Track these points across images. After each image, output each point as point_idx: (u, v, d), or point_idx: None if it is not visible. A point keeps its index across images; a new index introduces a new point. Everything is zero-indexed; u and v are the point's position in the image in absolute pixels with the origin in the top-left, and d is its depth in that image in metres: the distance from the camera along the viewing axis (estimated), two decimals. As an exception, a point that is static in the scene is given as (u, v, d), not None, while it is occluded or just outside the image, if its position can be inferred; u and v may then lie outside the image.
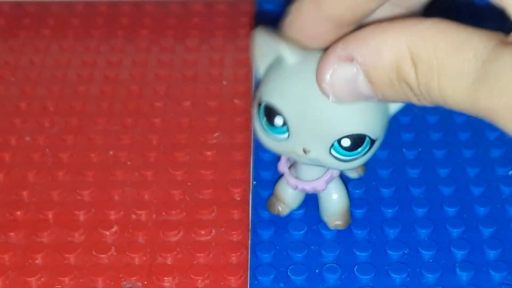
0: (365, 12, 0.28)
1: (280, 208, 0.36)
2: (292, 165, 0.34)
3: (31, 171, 0.39)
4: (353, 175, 0.38)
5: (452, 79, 0.24)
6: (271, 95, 0.29)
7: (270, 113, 0.29)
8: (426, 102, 0.25)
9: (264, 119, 0.30)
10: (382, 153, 0.39)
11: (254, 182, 0.38)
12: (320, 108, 0.28)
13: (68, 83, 0.44)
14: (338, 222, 0.35)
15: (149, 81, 0.44)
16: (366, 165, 0.38)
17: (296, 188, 0.34)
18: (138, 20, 0.49)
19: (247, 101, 0.43)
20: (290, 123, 0.29)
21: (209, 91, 0.44)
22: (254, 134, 0.32)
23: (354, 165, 0.30)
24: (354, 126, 0.29)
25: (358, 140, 0.29)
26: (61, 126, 0.41)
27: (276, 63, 0.30)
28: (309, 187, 0.34)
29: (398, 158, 0.39)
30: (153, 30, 0.48)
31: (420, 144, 0.40)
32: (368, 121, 0.29)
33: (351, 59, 0.26)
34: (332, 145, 0.29)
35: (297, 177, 0.34)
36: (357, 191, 0.37)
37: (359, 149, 0.29)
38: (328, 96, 0.27)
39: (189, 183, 0.38)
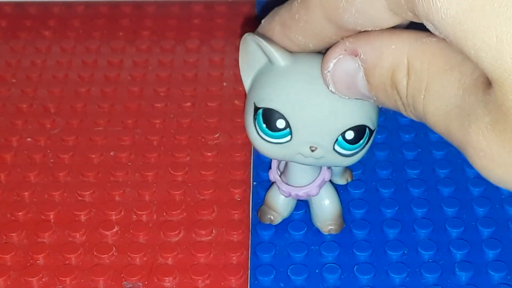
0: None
1: (272, 217, 0.36)
2: (282, 173, 0.34)
3: (33, 172, 0.39)
4: (341, 181, 0.38)
5: (435, 98, 0.24)
6: (269, 99, 0.30)
7: (270, 117, 0.30)
8: (412, 115, 0.26)
9: (264, 125, 0.30)
10: (381, 153, 0.39)
11: (254, 183, 0.38)
12: (322, 103, 0.29)
13: (69, 84, 0.44)
14: (332, 227, 0.35)
15: (150, 82, 0.44)
16: (363, 167, 0.38)
17: (289, 195, 0.34)
18: (139, 21, 0.49)
19: (247, 102, 0.43)
20: (292, 123, 0.29)
21: (209, 92, 0.44)
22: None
23: (353, 160, 0.31)
24: (356, 118, 0.29)
25: (360, 132, 0.30)
26: (62, 127, 0.41)
27: (265, 70, 0.30)
28: (301, 193, 0.33)
29: (397, 158, 0.39)
30: (153, 31, 0.48)
31: (419, 144, 0.40)
32: (367, 111, 0.29)
33: (356, 54, 0.26)
34: (336, 140, 0.29)
35: (288, 184, 0.34)
36: (357, 191, 0.37)
37: (361, 141, 0.30)
38: (328, 85, 0.28)
39: (189, 184, 0.38)
